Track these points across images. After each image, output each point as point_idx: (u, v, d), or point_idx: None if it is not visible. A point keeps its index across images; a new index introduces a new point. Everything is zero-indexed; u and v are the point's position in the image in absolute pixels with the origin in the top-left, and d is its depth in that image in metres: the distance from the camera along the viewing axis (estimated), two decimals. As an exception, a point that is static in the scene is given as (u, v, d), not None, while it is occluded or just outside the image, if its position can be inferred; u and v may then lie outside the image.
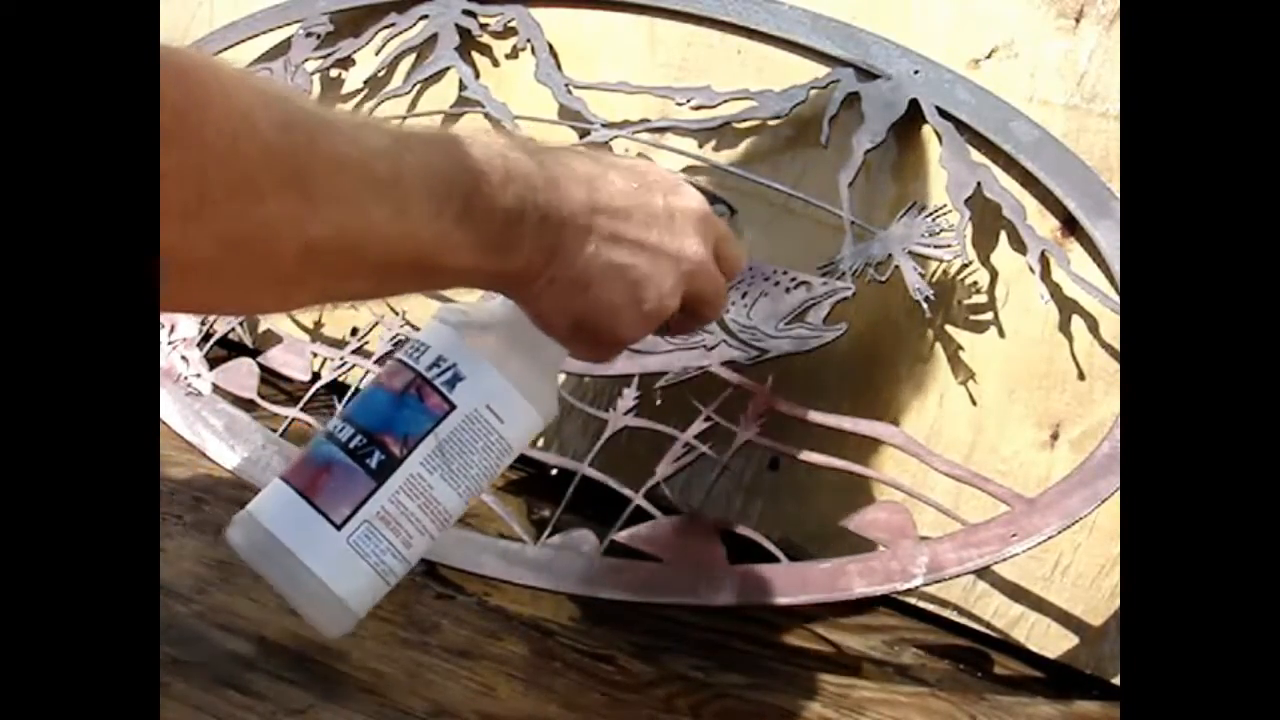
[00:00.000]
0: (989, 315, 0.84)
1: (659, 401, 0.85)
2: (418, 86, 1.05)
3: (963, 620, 0.83)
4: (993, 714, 0.76)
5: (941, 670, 0.80)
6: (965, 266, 0.84)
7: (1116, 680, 0.78)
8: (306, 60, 1.09)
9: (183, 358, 1.01)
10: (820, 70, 0.91)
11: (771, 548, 0.79)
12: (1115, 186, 0.80)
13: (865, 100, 0.88)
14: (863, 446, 0.83)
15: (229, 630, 0.76)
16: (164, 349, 1.01)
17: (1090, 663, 0.79)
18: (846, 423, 0.82)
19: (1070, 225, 0.82)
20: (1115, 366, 0.80)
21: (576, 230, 0.56)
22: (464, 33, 1.04)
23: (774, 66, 0.93)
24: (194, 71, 0.44)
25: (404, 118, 1.05)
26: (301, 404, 0.96)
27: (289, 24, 1.12)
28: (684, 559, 0.80)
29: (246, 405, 0.98)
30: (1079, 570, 0.80)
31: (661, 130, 0.95)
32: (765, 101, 0.91)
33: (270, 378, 1.02)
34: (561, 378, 0.92)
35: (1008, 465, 0.82)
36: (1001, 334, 0.84)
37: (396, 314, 0.97)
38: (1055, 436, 0.82)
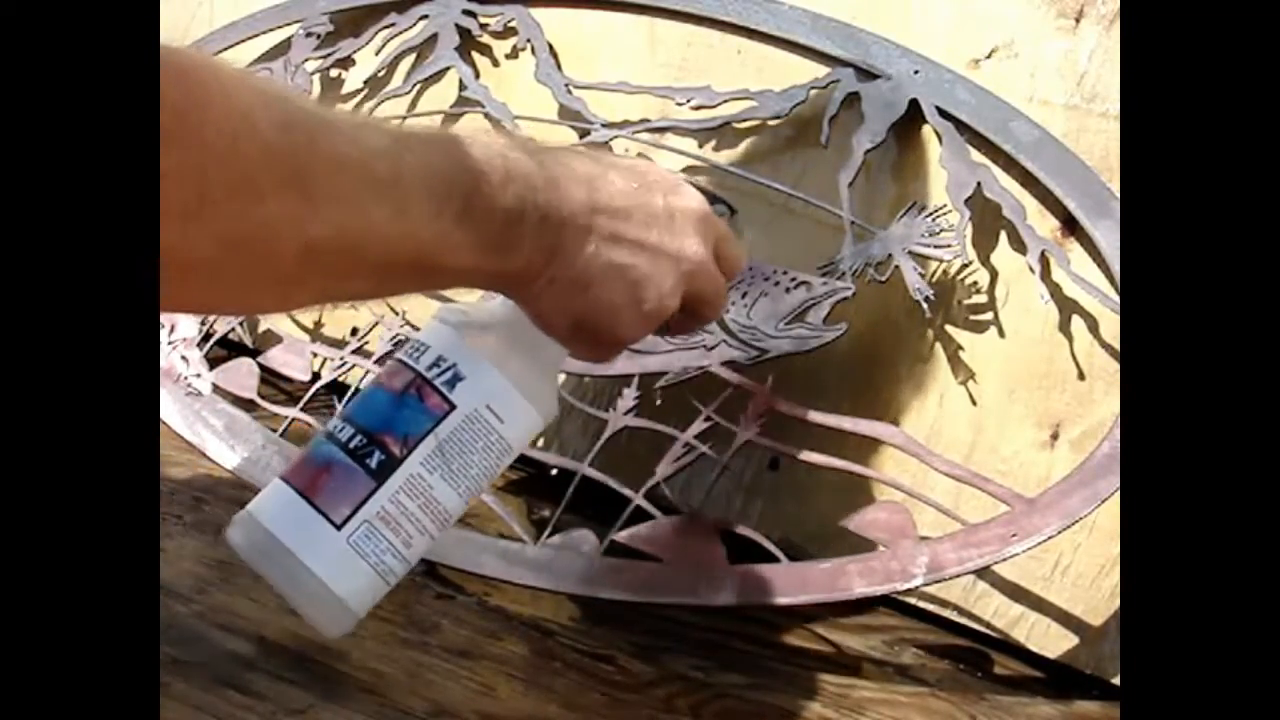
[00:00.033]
0: (989, 315, 0.84)
1: (659, 401, 0.85)
2: (418, 86, 1.05)
3: (963, 620, 0.83)
4: (993, 714, 0.76)
5: (941, 670, 0.80)
6: (965, 266, 0.84)
7: (1116, 680, 0.78)
8: (306, 60, 1.09)
9: (183, 358, 1.01)
10: (820, 70, 0.91)
11: (771, 548, 0.79)
12: (1115, 186, 0.80)
13: (865, 100, 0.88)
14: (863, 446, 0.83)
15: (229, 630, 0.76)
16: (164, 349, 1.01)
17: (1090, 663, 0.79)
18: (846, 423, 0.82)
19: (1070, 225, 0.82)
20: (1115, 366, 0.80)
21: (576, 230, 0.56)
22: (464, 33, 1.04)
23: (774, 66, 0.93)
24: (194, 71, 0.44)
25: (404, 118, 1.05)
26: (301, 404, 0.96)
27: (289, 24, 1.12)
28: (684, 559, 0.80)
29: (246, 405, 0.98)
30: (1079, 570, 0.80)
31: (661, 130, 0.95)
32: (765, 101, 0.91)
33: (270, 378, 1.02)
34: (561, 378, 0.92)
35: (1008, 465, 0.82)
36: (1001, 334, 0.84)
37: (396, 314, 0.97)
38: (1055, 436, 0.82)
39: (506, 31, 1.03)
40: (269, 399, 0.99)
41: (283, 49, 1.12)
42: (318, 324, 1.07)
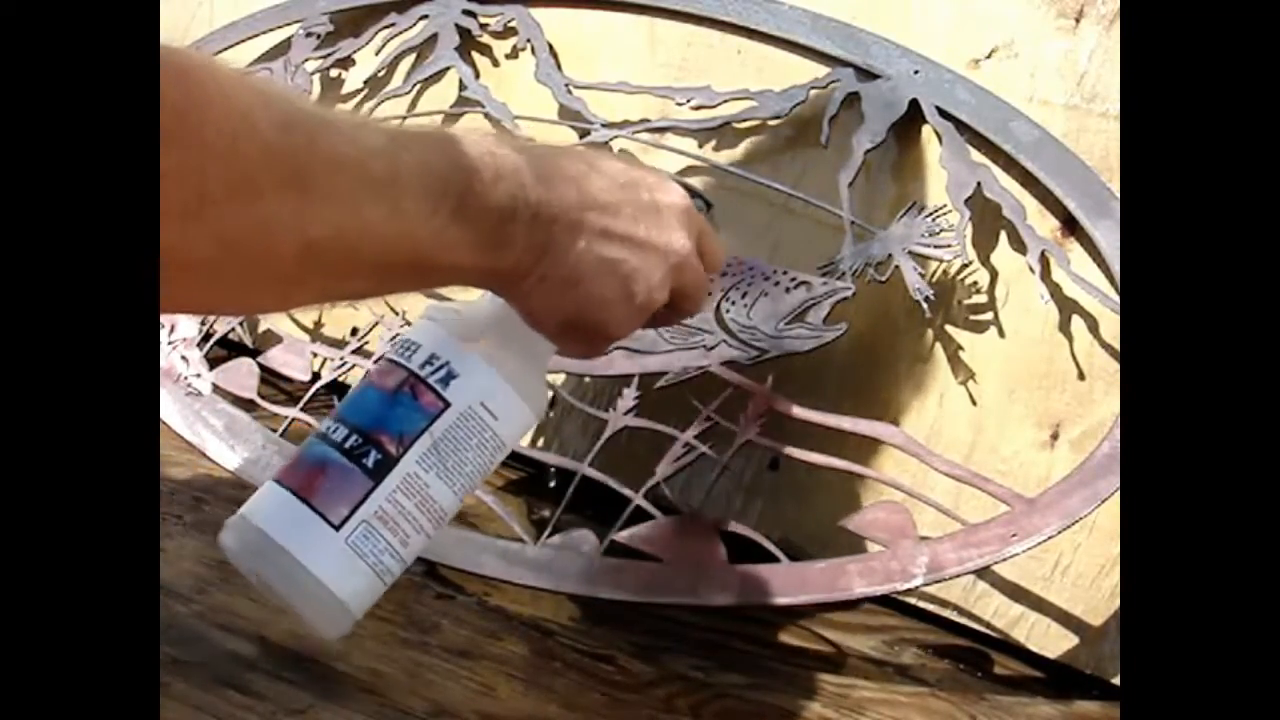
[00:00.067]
0: (989, 315, 0.84)
1: (658, 401, 0.85)
2: (418, 86, 1.05)
3: (963, 620, 0.83)
4: (993, 714, 0.76)
5: (941, 670, 0.80)
6: (965, 266, 0.84)
7: (1116, 680, 0.78)
8: (306, 60, 1.09)
9: (183, 358, 1.01)
10: (820, 70, 0.91)
11: (771, 548, 0.79)
12: (1115, 186, 0.80)
13: (865, 100, 0.88)
14: (863, 446, 0.83)
15: (229, 630, 0.76)
16: (164, 349, 1.01)
17: (1090, 663, 0.79)
18: (846, 423, 0.82)
19: (1070, 225, 0.82)
20: (1115, 366, 0.80)
21: (567, 226, 0.56)
22: (464, 33, 1.04)
23: (774, 66, 0.93)
24: (194, 71, 0.44)
25: (404, 118, 1.05)
26: (301, 404, 0.96)
27: (289, 24, 1.12)
28: (684, 559, 0.80)
29: (246, 405, 0.98)
30: (1079, 570, 0.80)
31: (661, 130, 0.95)
32: (765, 101, 0.91)
33: (270, 378, 1.02)
34: (561, 378, 0.92)
35: (1008, 465, 0.82)
36: (1001, 334, 0.84)
37: (396, 314, 0.97)
38: (1055, 436, 0.82)
39: (506, 31, 1.03)
40: (269, 399, 0.99)
41: (283, 49, 1.12)
42: (318, 324, 1.07)
